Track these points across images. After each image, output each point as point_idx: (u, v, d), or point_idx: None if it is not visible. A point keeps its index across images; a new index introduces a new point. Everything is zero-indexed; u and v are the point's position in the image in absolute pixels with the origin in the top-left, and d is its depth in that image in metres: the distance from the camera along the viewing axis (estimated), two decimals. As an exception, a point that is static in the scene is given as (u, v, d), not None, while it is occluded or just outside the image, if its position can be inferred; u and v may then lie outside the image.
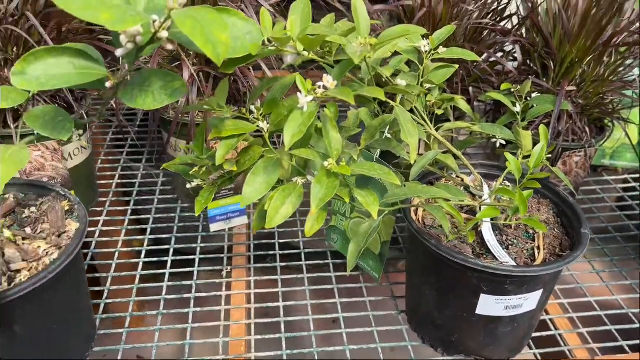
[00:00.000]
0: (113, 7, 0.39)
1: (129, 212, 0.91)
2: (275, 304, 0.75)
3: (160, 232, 0.88)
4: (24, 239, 0.57)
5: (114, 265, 0.80)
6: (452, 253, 0.57)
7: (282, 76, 0.56)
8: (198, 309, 0.73)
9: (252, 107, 0.55)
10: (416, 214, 0.65)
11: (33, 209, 0.61)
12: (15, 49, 0.75)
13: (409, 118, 0.52)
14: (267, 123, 0.55)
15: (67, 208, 0.61)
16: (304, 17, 0.47)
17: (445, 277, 0.61)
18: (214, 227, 0.88)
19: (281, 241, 0.86)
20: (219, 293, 0.77)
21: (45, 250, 0.56)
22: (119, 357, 0.66)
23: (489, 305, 0.60)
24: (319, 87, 0.46)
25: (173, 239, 0.86)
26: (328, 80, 0.46)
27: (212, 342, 0.69)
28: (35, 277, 0.51)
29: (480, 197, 0.63)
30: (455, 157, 0.65)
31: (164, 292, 0.76)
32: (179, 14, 0.38)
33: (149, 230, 0.87)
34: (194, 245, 0.85)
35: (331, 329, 0.72)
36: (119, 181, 0.99)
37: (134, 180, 0.99)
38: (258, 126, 0.55)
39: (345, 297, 0.77)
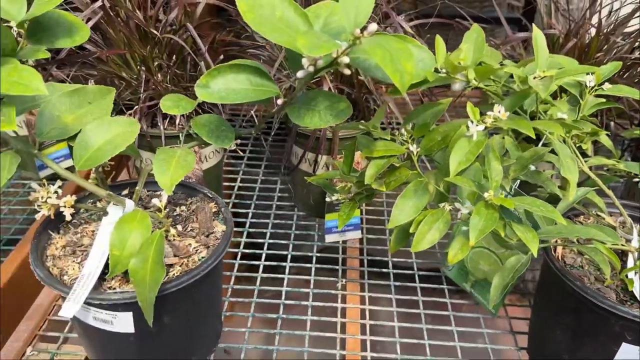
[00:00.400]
0: (307, 34, 0.41)
1: (250, 215, 0.95)
2: (390, 323, 0.75)
3: (277, 237, 0.91)
4: (173, 235, 0.62)
5: (236, 265, 0.84)
6: (599, 297, 0.54)
7: (435, 102, 0.56)
8: (316, 318, 0.75)
9: (403, 130, 0.56)
10: (555, 252, 0.62)
11: (183, 207, 0.65)
12: (166, 56, 0.81)
13: (568, 153, 0.51)
14: (417, 146, 0.55)
15: (214, 210, 0.65)
16: (477, 47, 0.48)
17: (584, 321, 0.58)
18: (329, 239, 0.90)
19: (394, 259, 0.87)
20: (335, 304, 0.78)
21: (194, 248, 0.60)
22: (242, 357, 0.69)
23: (630, 354, 0.56)
24: (490, 116, 0.46)
25: (290, 246, 0.89)
26: (499, 111, 0.45)
27: (329, 352, 0.70)
28: (190, 272, 0.55)
29: (628, 241, 0.60)
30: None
31: (282, 297, 0.78)
32: (369, 42, 0.40)
33: (268, 235, 0.91)
34: (310, 254, 0.88)
35: (448, 355, 0.71)
36: (240, 184, 1.04)
37: (254, 185, 1.03)
38: (407, 149, 0.55)
39: (461, 326, 0.75)
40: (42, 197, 0.54)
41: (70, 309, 0.50)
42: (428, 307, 0.78)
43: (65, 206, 0.55)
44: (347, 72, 0.44)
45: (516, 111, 0.56)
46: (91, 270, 0.52)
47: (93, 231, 0.60)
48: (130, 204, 0.54)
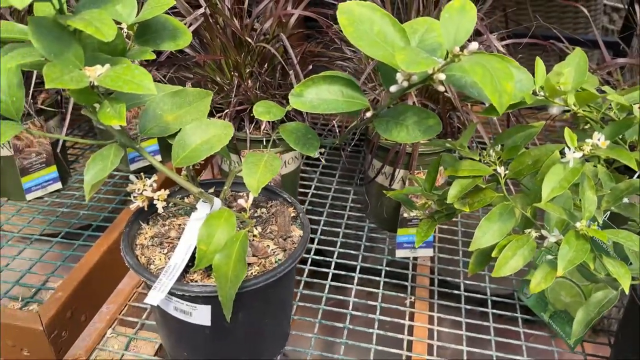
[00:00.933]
0: (405, 50, 0.42)
1: (322, 222, 0.96)
2: (459, 347, 0.73)
3: (347, 247, 0.91)
4: (254, 236, 0.64)
5: (306, 271, 0.85)
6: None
7: (527, 125, 0.55)
8: (382, 332, 0.75)
9: (491, 151, 0.55)
10: (645, 290, 0.59)
11: (264, 209, 0.67)
12: (257, 64, 0.84)
13: (672, 189, 0.48)
14: (505, 169, 0.54)
15: (292, 214, 0.66)
16: (579, 71, 0.46)
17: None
18: (399, 253, 0.90)
19: (467, 282, 0.85)
20: (402, 321, 0.77)
21: (272, 249, 0.61)
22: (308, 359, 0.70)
23: None
24: (588, 144, 0.44)
25: (360, 257, 0.89)
26: (599, 139, 0.44)
27: (394, 369, 0.70)
28: (267, 273, 0.56)
29: None
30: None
31: (350, 307, 0.78)
32: (469, 60, 0.40)
33: (338, 244, 0.91)
34: (379, 267, 0.87)
35: (517, 387, 0.68)
36: (314, 192, 1.06)
37: (327, 194, 1.05)
38: (495, 170, 0.54)
39: (533, 357, 0.72)
40: (138, 189, 0.58)
41: (155, 297, 0.53)
42: (499, 334, 0.75)
43: (158, 199, 0.58)
44: (442, 89, 0.44)
45: (615, 140, 0.53)
46: (177, 262, 0.55)
47: (180, 225, 0.63)
48: (218, 202, 0.57)
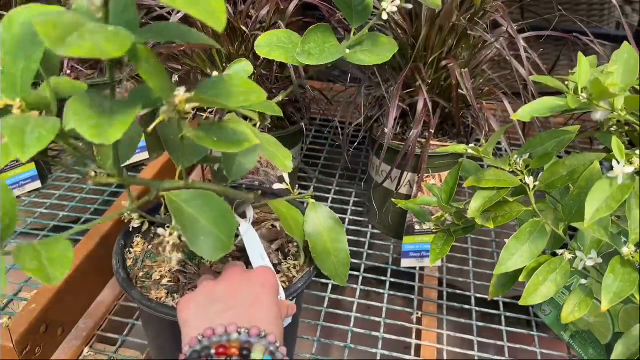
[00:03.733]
0: None
1: (321, 228, 0.89)
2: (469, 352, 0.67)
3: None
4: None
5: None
6: None
7: (560, 130, 0.48)
8: (387, 352, 0.68)
9: (517, 159, 0.48)
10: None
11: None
12: (253, 55, 0.77)
13: None
14: (534, 179, 0.47)
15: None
16: (628, 70, 0.39)
17: None
18: (405, 263, 0.83)
19: (478, 295, 0.78)
20: (408, 340, 0.71)
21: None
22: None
23: None
24: (638, 156, 0.38)
25: (362, 266, 0.82)
26: (655, 152, 0.37)
27: (399, 395, 0.63)
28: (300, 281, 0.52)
29: None
30: None
31: (351, 323, 0.72)
32: None
33: (338, 252, 0.84)
34: (383, 278, 0.81)
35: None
36: (313, 193, 0.98)
37: (327, 195, 0.98)
38: (522, 181, 0.47)
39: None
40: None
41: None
42: (514, 354, 0.69)
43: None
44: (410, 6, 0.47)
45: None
46: None
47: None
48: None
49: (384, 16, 0.46)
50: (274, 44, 0.49)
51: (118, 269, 0.53)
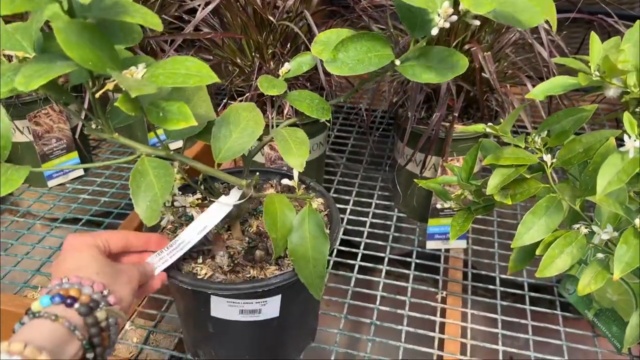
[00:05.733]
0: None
1: (348, 211, 0.92)
2: (494, 346, 0.69)
3: (375, 237, 0.87)
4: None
5: (331, 262, 0.81)
6: None
7: (577, 108, 0.49)
8: (412, 329, 0.71)
9: (535, 137, 0.50)
10: None
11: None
12: (280, 44, 0.80)
13: None
14: (552, 157, 0.49)
15: (321, 207, 0.62)
16: (641, 47, 0.40)
17: None
18: (430, 245, 0.85)
19: (503, 276, 0.79)
20: (433, 318, 0.73)
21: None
22: (332, 358, 0.66)
23: None
24: (651, 131, 0.39)
25: (388, 248, 0.85)
26: (666, 126, 0.38)
27: (424, 369, 0.66)
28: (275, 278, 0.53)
29: None
30: None
31: (377, 302, 0.74)
32: None
33: (365, 234, 0.87)
34: (409, 260, 0.83)
35: (558, 391, 0.63)
36: (340, 178, 1.01)
37: (354, 181, 1.00)
38: (540, 159, 0.49)
39: (575, 357, 0.67)
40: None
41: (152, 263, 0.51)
42: (538, 333, 0.70)
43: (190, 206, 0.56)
44: (477, 22, 0.42)
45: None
46: (185, 240, 0.52)
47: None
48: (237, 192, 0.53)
49: (434, 31, 0.41)
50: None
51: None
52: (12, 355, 0.34)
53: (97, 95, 0.36)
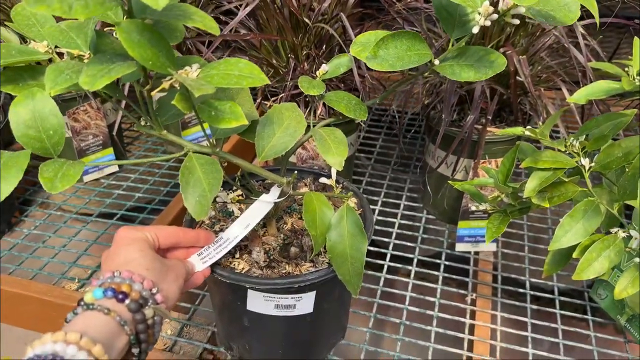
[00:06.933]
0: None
1: (376, 212, 0.93)
2: (523, 349, 0.69)
3: (404, 238, 0.87)
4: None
5: (360, 262, 0.82)
6: None
7: (617, 113, 0.49)
8: (441, 330, 0.71)
9: (574, 141, 0.50)
10: None
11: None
12: (314, 46, 0.81)
13: None
14: (590, 161, 0.49)
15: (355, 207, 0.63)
16: (687, 52, 0.40)
17: None
18: (459, 247, 0.85)
19: (533, 280, 0.79)
20: (462, 319, 0.73)
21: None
22: (362, 355, 0.67)
23: None
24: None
25: (417, 249, 0.85)
26: None
27: (453, 370, 0.66)
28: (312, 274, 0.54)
29: None
30: None
31: (406, 302, 0.75)
32: None
33: (393, 235, 0.88)
34: (438, 261, 0.83)
35: (589, 396, 0.63)
36: (368, 179, 1.02)
37: (382, 182, 1.01)
38: (578, 162, 0.49)
39: (606, 364, 0.67)
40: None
41: (195, 263, 0.52)
42: (567, 337, 0.70)
43: (231, 202, 0.57)
44: (516, 21, 0.42)
45: None
46: (230, 237, 0.53)
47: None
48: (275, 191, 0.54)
49: (475, 29, 0.42)
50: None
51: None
52: (69, 345, 0.36)
53: (153, 94, 0.38)
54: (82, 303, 0.41)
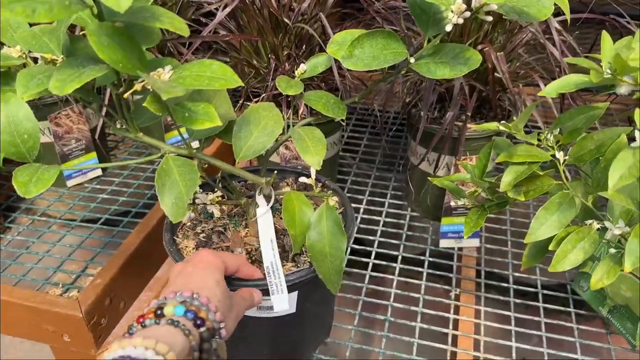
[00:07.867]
0: None
1: (361, 210, 0.93)
2: (507, 343, 0.69)
3: (389, 236, 0.88)
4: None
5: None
6: None
7: (590, 106, 0.50)
8: (425, 326, 0.72)
9: (548, 135, 0.51)
10: None
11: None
12: (295, 46, 0.81)
13: None
14: (564, 154, 0.50)
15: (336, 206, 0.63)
16: (653, 45, 0.41)
17: None
18: (443, 243, 0.86)
19: (516, 274, 0.80)
20: (446, 315, 0.74)
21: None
22: (347, 353, 0.68)
23: None
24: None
25: (401, 247, 0.86)
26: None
27: (437, 364, 0.67)
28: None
29: None
30: None
31: (391, 299, 0.75)
32: None
33: (378, 233, 0.88)
34: (422, 258, 0.84)
35: (571, 387, 0.64)
36: (353, 178, 1.02)
37: (367, 180, 1.01)
38: (553, 156, 0.50)
39: (588, 355, 0.68)
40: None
41: (281, 300, 0.52)
42: (551, 330, 0.71)
43: (211, 203, 0.58)
44: (489, 19, 0.43)
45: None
46: (272, 260, 0.53)
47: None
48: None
49: (448, 27, 0.43)
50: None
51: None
52: (157, 356, 0.35)
53: (125, 96, 0.38)
54: (159, 313, 0.40)
